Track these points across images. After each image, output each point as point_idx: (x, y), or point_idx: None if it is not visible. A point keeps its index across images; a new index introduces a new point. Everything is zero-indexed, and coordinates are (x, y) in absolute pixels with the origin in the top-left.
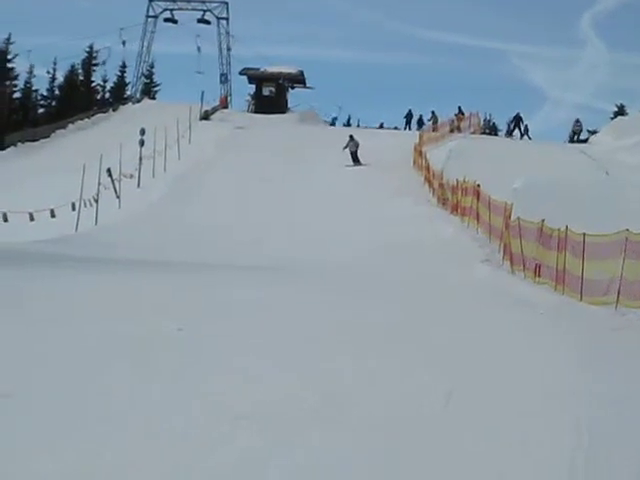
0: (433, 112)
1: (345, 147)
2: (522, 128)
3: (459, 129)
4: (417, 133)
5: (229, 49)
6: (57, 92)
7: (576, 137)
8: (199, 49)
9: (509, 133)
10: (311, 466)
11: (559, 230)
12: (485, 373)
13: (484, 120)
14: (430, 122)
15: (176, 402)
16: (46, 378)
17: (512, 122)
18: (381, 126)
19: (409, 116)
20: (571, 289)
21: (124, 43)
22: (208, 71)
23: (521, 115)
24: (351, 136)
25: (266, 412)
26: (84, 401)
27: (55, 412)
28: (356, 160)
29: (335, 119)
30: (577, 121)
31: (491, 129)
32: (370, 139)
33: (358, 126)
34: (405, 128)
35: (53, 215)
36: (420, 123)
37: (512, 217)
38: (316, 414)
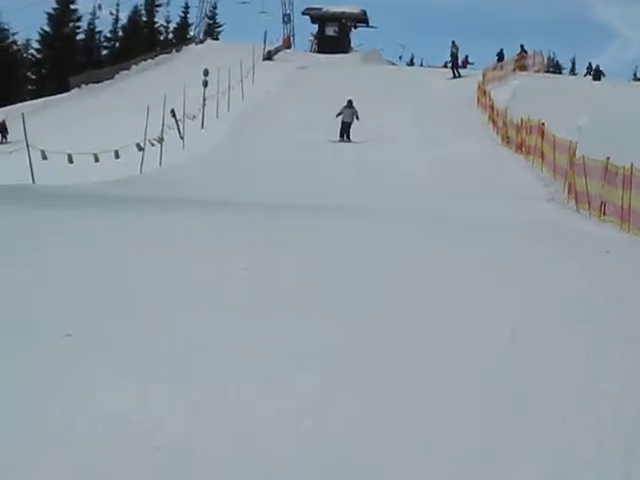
0: (453, 42)
1: (338, 114)
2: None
3: (523, 68)
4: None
5: None
6: (120, 33)
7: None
8: None
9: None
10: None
11: (624, 168)
12: (552, 310)
13: (548, 58)
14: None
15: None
16: (108, 318)
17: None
18: (445, 65)
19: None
20: (637, 227)
21: None
22: (271, 11)
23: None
24: (349, 101)
25: (330, 351)
26: (151, 338)
27: (121, 350)
28: (344, 135)
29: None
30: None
31: (555, 67)
32: (434, 78)
33: (421, 65)
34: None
35: (117, 156)
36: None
37: (577, 155)
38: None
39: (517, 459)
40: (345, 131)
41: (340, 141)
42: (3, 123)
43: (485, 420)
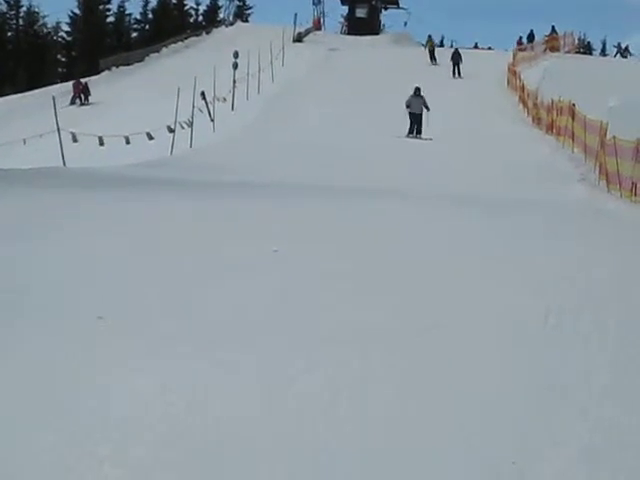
0: (430, 36)
1: (407, 106)
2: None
3: (553, 49)
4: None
5: None
6: (150, 16)
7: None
8: None
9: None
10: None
11: None
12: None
13: (578, 39)
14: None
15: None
16: (141, 301)
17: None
18: (475, 46)
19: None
20: None
21: None
22: None
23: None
24: (417, 89)
25: (361, 329)
26: (181, 320)
27: (151, 333)
28: (414, 129)
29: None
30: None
31: (586, 48)
32: (464, 59)
33: (452, 47)
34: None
35: (151, 138)
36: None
37: (608, 136)
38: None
39: None
40: (415, 124)
41: (409, 136)
42: (86, 85)
43: None
